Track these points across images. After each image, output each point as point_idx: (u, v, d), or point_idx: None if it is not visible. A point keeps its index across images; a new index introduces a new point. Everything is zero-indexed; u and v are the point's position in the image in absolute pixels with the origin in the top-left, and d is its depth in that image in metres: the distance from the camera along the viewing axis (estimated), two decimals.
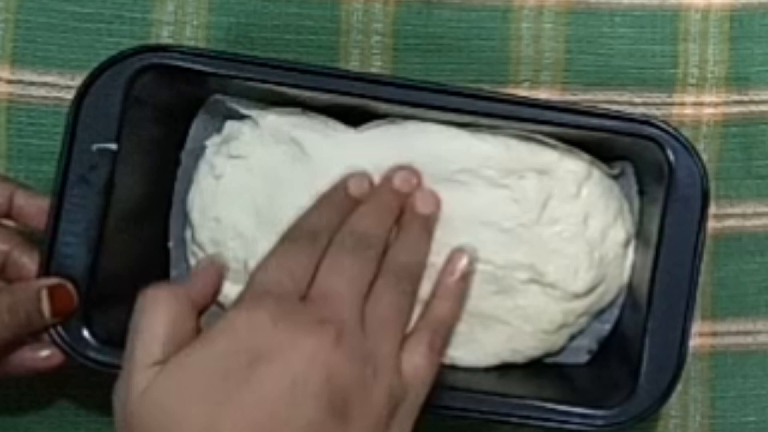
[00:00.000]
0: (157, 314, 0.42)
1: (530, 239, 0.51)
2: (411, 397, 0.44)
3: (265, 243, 0.46)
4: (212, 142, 0.53)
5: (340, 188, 0.50)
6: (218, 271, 0.45)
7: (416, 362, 0.44)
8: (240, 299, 0.43)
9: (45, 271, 0.48)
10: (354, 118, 0.52)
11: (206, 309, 0.44)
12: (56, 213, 0.49)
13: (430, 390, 0.44)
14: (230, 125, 0.53)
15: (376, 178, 0.51)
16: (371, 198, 0.50)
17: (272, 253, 0.45)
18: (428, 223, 0.50)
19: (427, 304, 0.47)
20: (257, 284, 0.43)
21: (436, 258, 0.49)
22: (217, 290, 0.45)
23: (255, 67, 0.49)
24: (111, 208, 0.49)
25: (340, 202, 0.49)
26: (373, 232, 0.47)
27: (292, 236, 0.46)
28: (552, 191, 0.51)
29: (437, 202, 0.51)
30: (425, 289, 0.48)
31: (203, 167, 0.53)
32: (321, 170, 0.51)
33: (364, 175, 0.51)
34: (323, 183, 0.50)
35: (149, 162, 0.52)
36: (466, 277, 0.49)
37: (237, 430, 0.39)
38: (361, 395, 0.41)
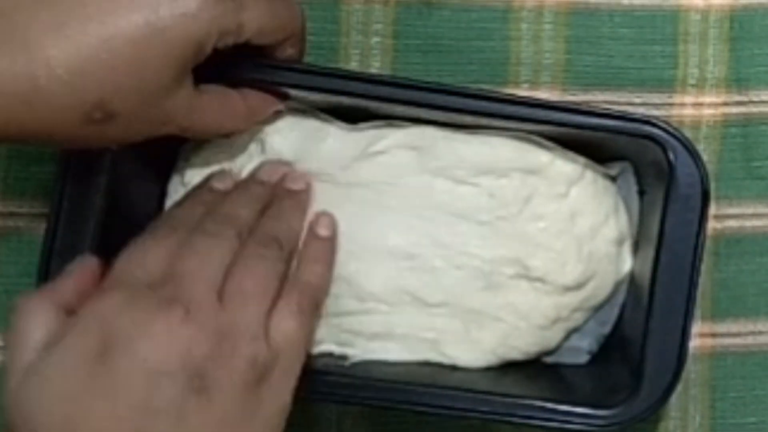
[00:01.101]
0: (29, 320, 0.43)
1: (514, 233, 0.51)
2: (283, 362, 0.44)
3: None
4: (184, 148, 0.53)
5: (204, 186, 0.50)
6: (92, 270, 0.45)
7: (285, 326, 0.44)
8: (91, 295, 0.43)
9: (45, 270, 0.48)
10: (355, 120, 0.52)
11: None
12: (57, 212, 0.48)
13: (430, 390, 0.44)
14: None
15: None
16: (236, 188, 0.50)
17: (128, 246, 0.45)
18: (299, 198, 0.50)
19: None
20: (108, 278, 0.44)
21: (415, 249, 0.50)
22: (90, 288, 0.44)
23: (256, 67, 0.49)
24: (112, 207, 0.49)
25: (203, 197, 0.49)
26: (235, 213, 0.47)
27: (151, 229, 0.47)
28: (537, 190, 0.51)
29: (308, 182, 0.51)
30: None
31: (175, 178, 0.53)
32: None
33: (227, 173, 0.51)
34: None
35: (151, 161, 0.52)
36: (331, 241, 0.50)
37: (94, 423, 0.39)
38: (220, 369, 0.41)
